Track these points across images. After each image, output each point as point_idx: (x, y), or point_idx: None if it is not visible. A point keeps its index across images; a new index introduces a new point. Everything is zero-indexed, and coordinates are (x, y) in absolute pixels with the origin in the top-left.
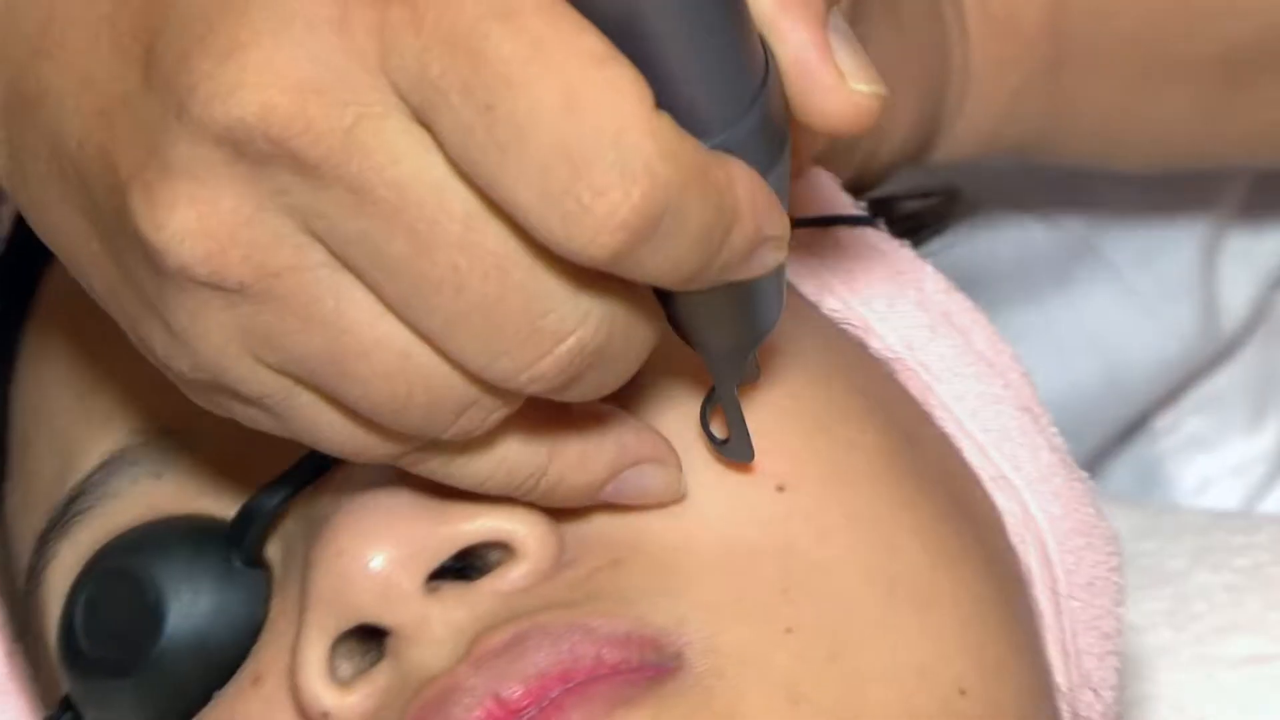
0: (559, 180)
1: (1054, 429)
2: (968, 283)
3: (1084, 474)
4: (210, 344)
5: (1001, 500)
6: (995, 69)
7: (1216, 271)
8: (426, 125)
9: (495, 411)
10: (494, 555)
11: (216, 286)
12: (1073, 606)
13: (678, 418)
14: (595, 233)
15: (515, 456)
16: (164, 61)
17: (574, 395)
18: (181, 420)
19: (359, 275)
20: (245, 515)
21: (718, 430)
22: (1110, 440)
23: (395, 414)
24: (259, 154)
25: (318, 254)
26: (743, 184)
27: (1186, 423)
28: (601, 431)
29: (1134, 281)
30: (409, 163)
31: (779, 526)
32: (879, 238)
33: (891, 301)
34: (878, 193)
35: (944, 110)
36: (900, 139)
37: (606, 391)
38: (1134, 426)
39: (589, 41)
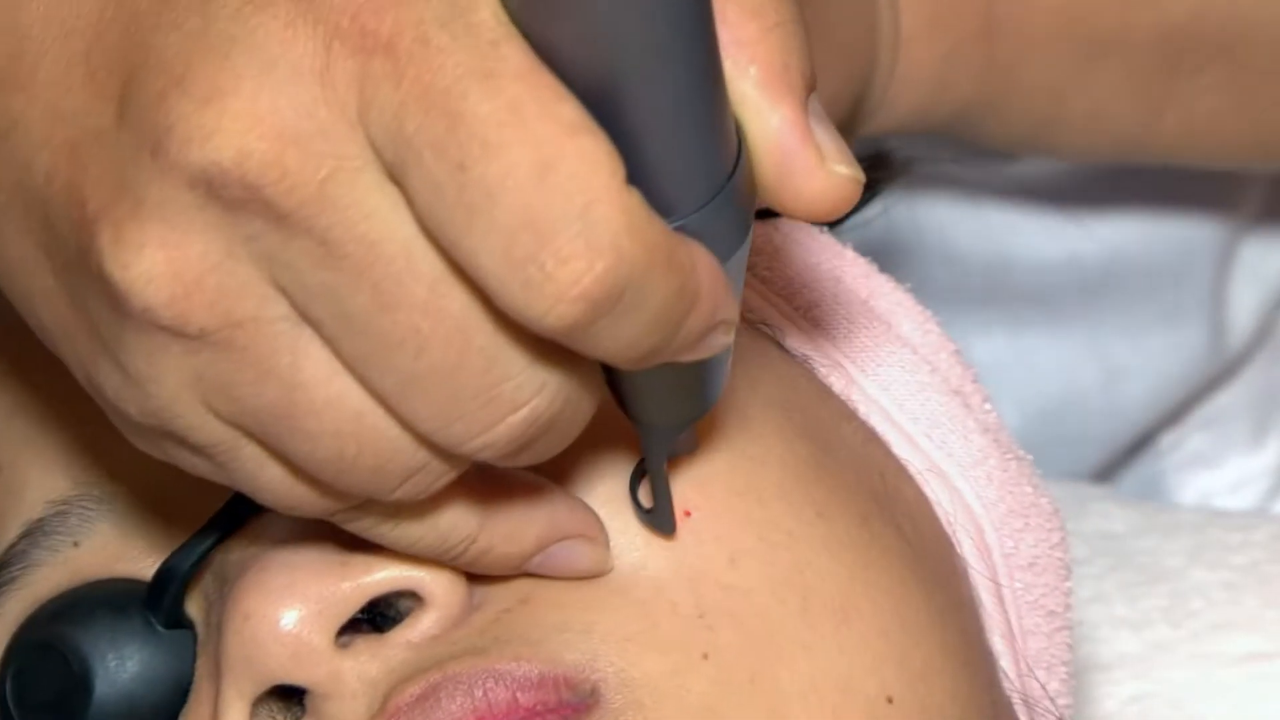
0: (524, 246)
1: (988, 406)
2: (912, 249)
3: (1020, 451)
4: (164, 389)
5: (934, 490)
6: (925, 34)
7: (1227, 289)
8: (398, 182)
9: (442, 477)
10: (404, 604)
11: (178, 332)
12: (1015, 589)
13: (609, 482)
14: (555, 301)
15: (448, 523)
16: (140, 99)
17: (519, 461)
18: (99, 485)
19: (319, 330)
20: (161, 577)
21: (645, 499)
22: (1118, 456)
23: (340, 473)
24: (232, 199)
25: (280, 307)
26: (704, 268)
27: (1190, 440)
28: (535, 504)
29: (1148, 300)
30: (380, 219)
31: (690, 553)
32: (792, 226)
33: (809, 297)
34: None
35: (874, 78)
36: (826, 107)
37: (548, 458)
38: (1141, 444)
39: (566, 110)
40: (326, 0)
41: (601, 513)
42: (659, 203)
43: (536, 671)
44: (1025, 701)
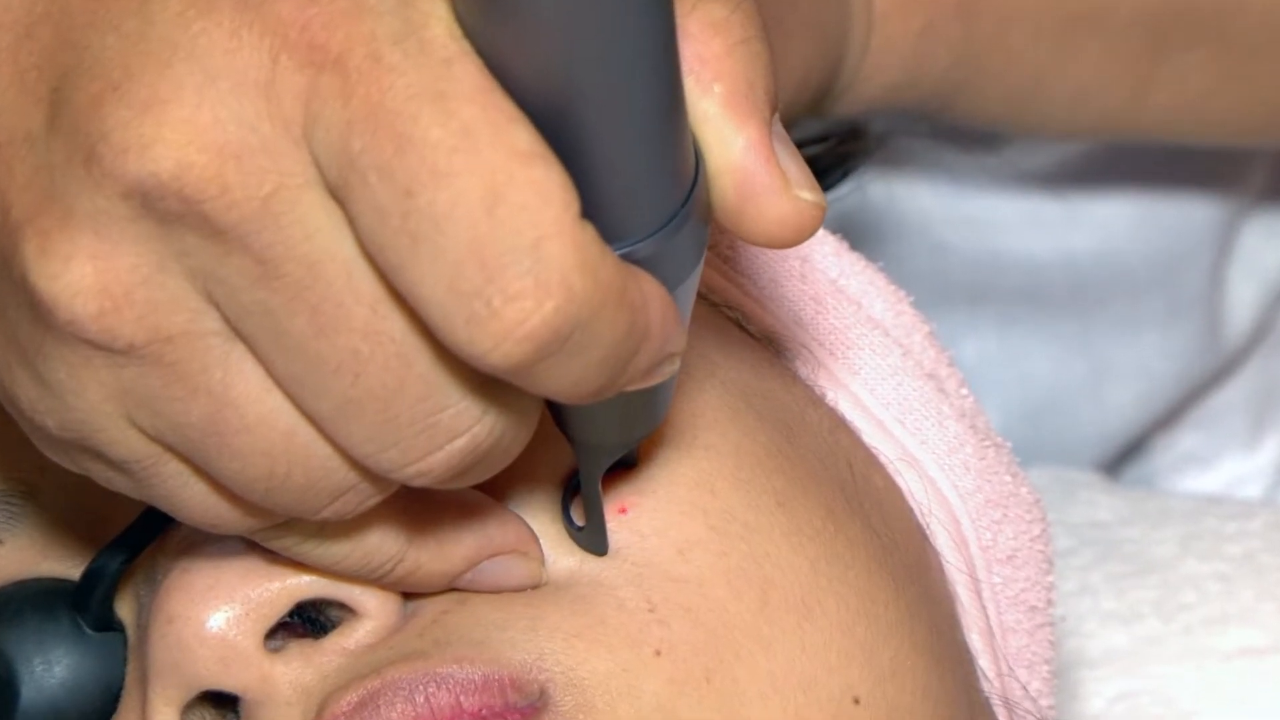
0: (469, 280)
1: (965, 391)
2: (892, 235)
3: (999, 438)
4: (86, 402)
5: (906, 480)
6: (900, 9)
7: (1225, 282)
8: (341, 202)
9: (371, 498)
10: (335, 612)
11: (104, 346)
12: (994, 584)
13: (543, 490)
14: (499, 340)
15: (374, 542)
16: (73, 104)
17: (452, 485)
18: (23, 480)
19: (252, 347)
20: (89, 577)
21: (578, 516)
22: (1108, 457)
23: (268, 492)
24: (168, 212)
25: (212, 321)
26: (656, 303)
27: (1183, 440)
28: (464, 521)
29: (1143, 296)
30: (322, 239)
31: (631, 547)
32: None
33: (774, 276)
34: None
35: (847, 54)
36: (795, 84)
37: (481, 480)
38: (1132, 445)
39: (520, 136)
40: (274, 9)
41: (535, 521)
42: (613, 227)
43: (480, 673)
44: (1005, 702)
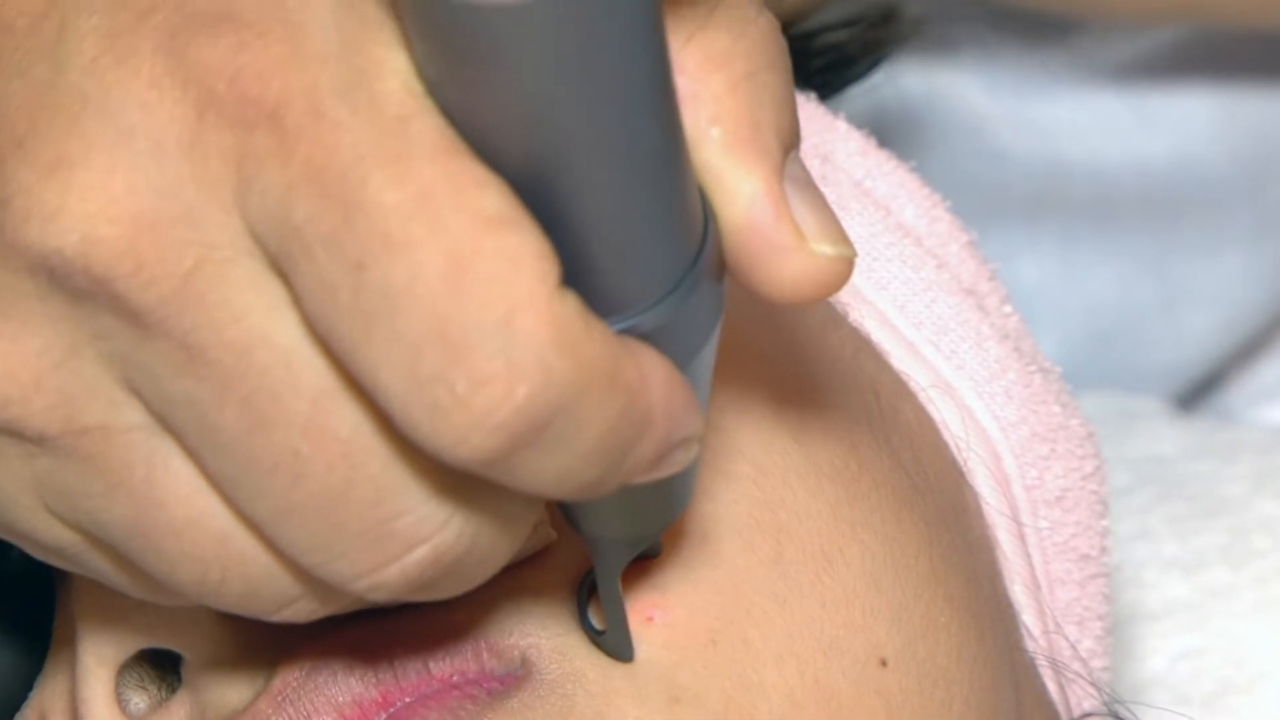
0: (431, 364)
1: (1008, 309)
2: (938, 138)
3: (1047, 363)
4: (1, 491)
5: (940, 410)
6: None
7: None
8: (283, 277)
9: (327, 605)
10: None
11: (13, 434)
12: (1040, 529)
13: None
14: (467, 432)
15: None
16: None
17: (419, 598)
18: None
19: (181, 441)
20: None
21: (597, 618)
22: (1180, 389)
23: (204, 595)
24: (78, 291)
25: (134, 414)
26: (658, 383)
27: (1264, 372)
28: None
29: (1223, 213)
30: (254, 322)
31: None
32: None
33: None
34: (794, 29)
35: None
36: None
37: (457, 593)
38: (1206, 377)
39: (487, 199)
40: (199, 57)
41: (551, 615)
42: (609, 301)
43: (452, 636)
44: (1052, 663)
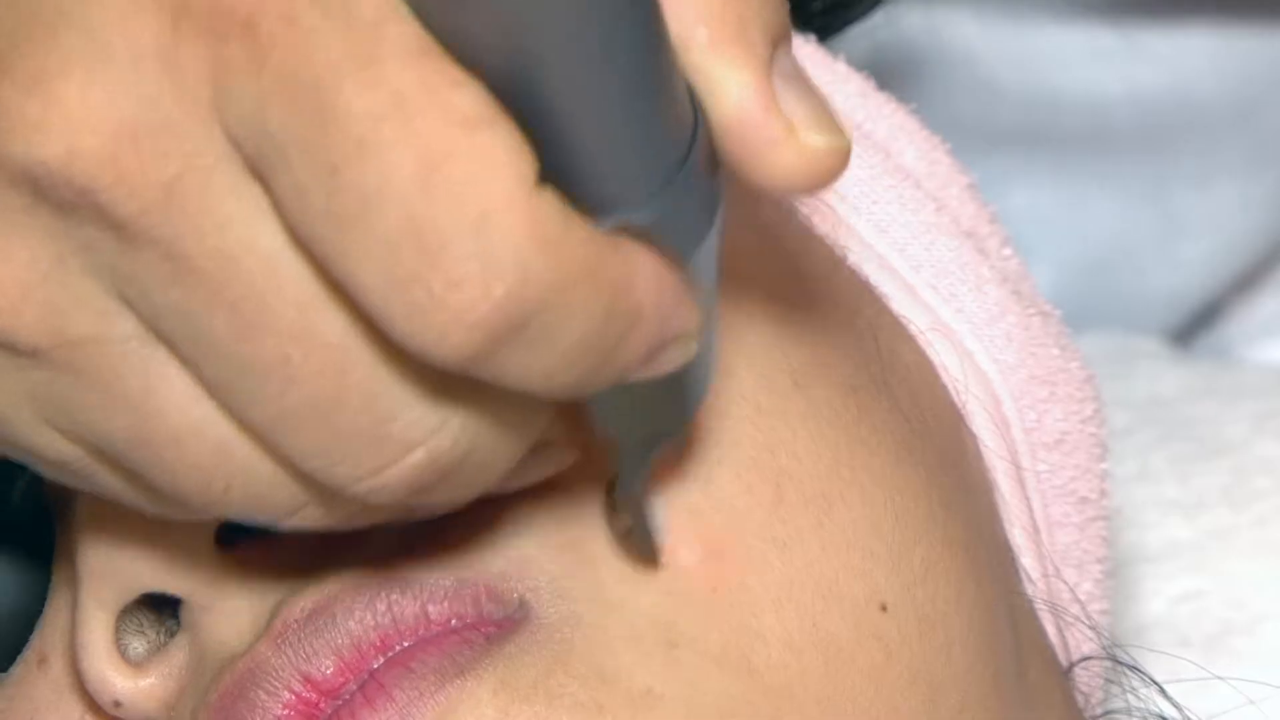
0: (406, 265)
1: (1008, 251)
2: (931, 72)
3: (1047, 305)
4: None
5: (939, 353)
6: None
7: None
8: (263, 183)
9: (336, 510)
10: None
11: (6, 347)
12: (1039, 472)
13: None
14: (445, 330)
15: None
16: None
17: (423, 502)
18: None
19: (175, 350)
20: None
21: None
22: (1177, 322)
23: (210, 505)
24: (62, 202)
25: (127, 323)
26: (646, 279)
27: (1262, 305)
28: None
29: (1221, 140)
30: (238, 229)
31: None
32: None
33: None
34: None
35: None
36: None
37: (463, 502)
38: (1205, 309)
39: (461, 99)
40: None
41: (579, 525)
42: (596, 198)
43: (451, 579)
44: (1051, 607)
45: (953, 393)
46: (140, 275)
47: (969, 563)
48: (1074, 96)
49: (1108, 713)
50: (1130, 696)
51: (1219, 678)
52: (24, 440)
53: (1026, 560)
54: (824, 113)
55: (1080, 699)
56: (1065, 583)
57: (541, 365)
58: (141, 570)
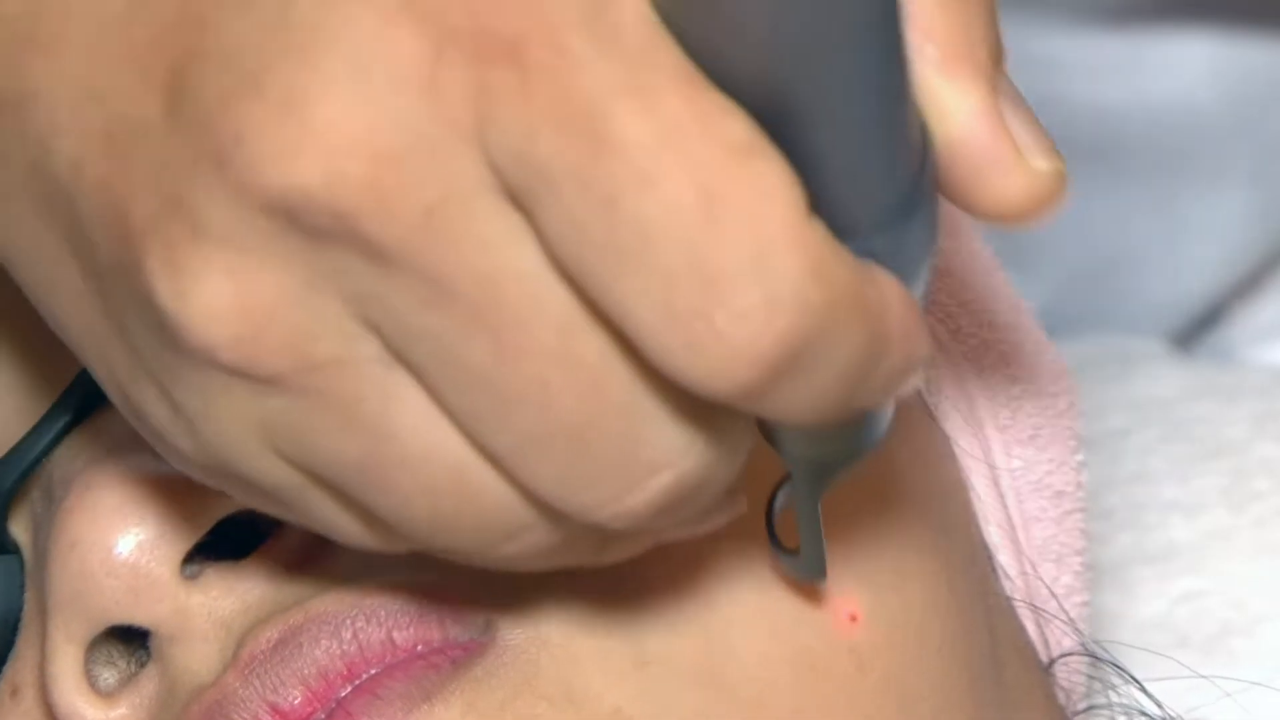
0: (688, 298)
1: (977, 246)
2: None
3: (1018, 297)
4: (224, 433)
5: None
6: None
7: None
8: (526, 212)
9: (553, 536)
10: (267, 521)
11: (243, 374)
12: (1014, 469)
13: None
14: (726, 364)
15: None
16: (199, 95)
17: (654, 527)
18: None
19: (419, 376)
20: None
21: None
22: (1179, 326)
23: (434, 532)
24: (317, 229)
25: (369, 346)
26: (896, 305)
27: (1265, 309)
28: None
29: (1226, 148)
30: (500, 253)
31: None
32: None
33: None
34: None
35: None
36: None
37: (685, 531)
38: (1207, 313)
39: (734, 128)
40: None
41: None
42: (840, 224)
43: (415, 603)
44: (1030, 605)
45: (923, 393)
46: (394, 301)
47: (940, 568)
48: (1078, 105)
49: (1090, 708)
50: (1111, 693)
51: (1216, 678)
52: (244, 467)
53: (1003, 557)
54: (1045, 136)
55: (1062, 695)
56: (1042, 579)
57: (807, 395)
58: (108, 603)
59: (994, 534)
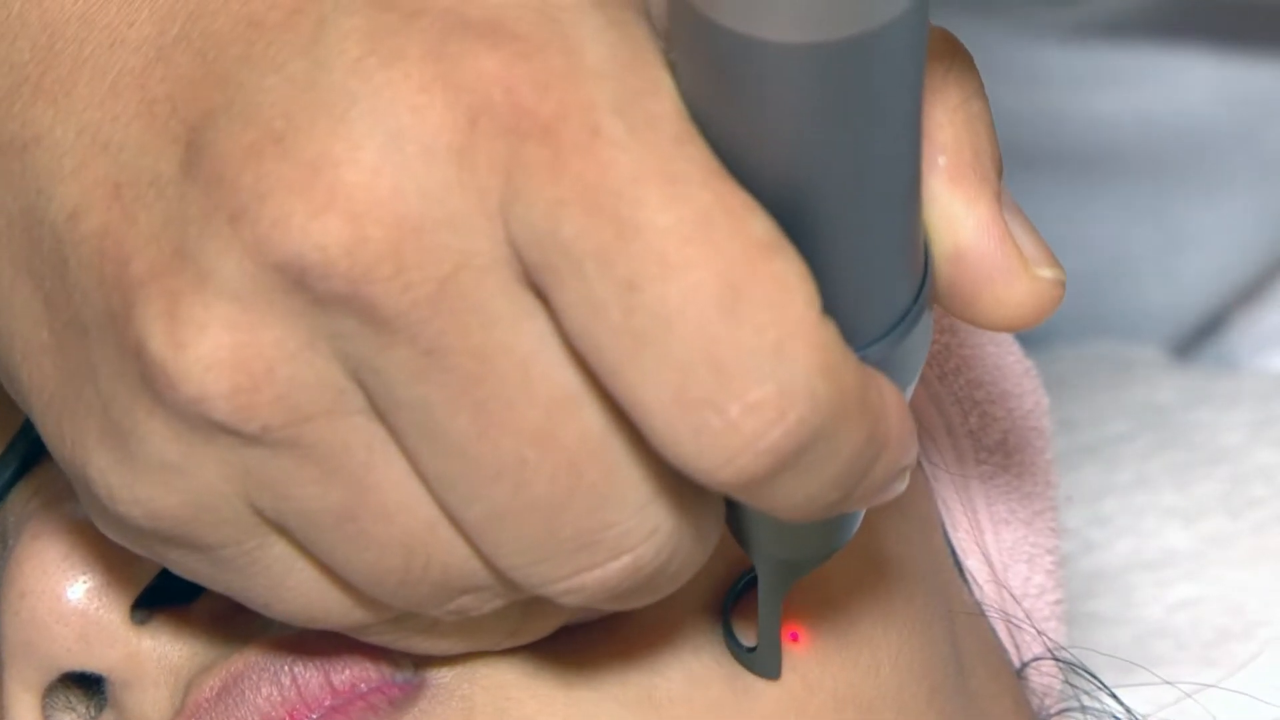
0: (701, 387)
1: None
2: None
3: None
4: (198, 484)
5: None
6: None
7: None
8: (541, 290)
9: (499, 600)
10: None
11: (233, 428)
12: (983, 473)
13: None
14: (734, 455)
15: (486, 635)
16: (220, 151)
17: (604, 607)
18: None
19: (399, 439)
20: None
21: (743, 635)
22: (1180, 334)
23: (399, 586)
24: (327, 292)
25: (358, 399)
26: (894, 408)
27: (1265, 317)
28: None
29: (1225, 159)
30: (502, 330)
31: None
32: None
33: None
34: None
35: None
36: None
37: (642, 605)
38: (1207, 322)
39: (758, 225)
40: (475, 65)
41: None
42: (850, 327)
43: (351, 645)
44: (1000, 609)
45: None
46: (388, 368)
47: (896, 580)
48: (1077, 118)
49: (1063, 711)
50: (1084, 697)
51: (1206, 686)
52: (207, 518)
53: (972, 563)
54: (1045, 245)
55: (1035, 700)
56: (1006, 587)
57: (806, 490)
58: (59, 650)
59: (962, 540)
